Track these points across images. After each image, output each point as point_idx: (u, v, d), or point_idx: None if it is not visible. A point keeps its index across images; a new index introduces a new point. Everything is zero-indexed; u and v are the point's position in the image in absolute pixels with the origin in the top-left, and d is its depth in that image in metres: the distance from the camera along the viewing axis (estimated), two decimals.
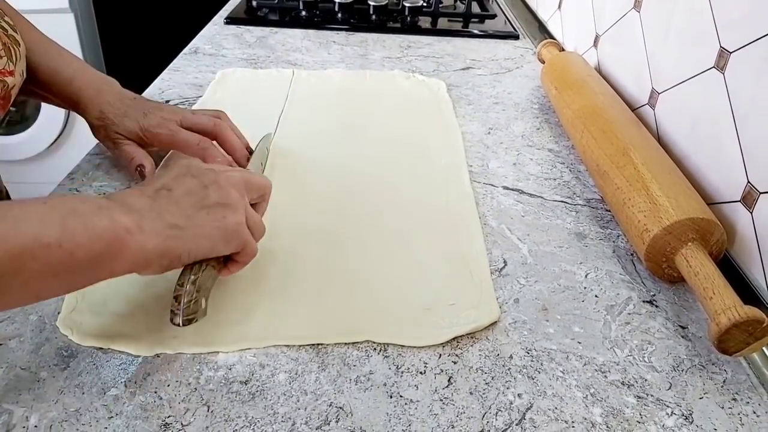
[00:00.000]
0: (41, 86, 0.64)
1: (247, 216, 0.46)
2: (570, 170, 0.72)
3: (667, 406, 0.44)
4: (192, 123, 0.63)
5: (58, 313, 0.48)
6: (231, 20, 1.15)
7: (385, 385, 0.44)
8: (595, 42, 0.91)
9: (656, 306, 0.53)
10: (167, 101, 0.82)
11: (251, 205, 0.48)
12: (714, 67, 0.60)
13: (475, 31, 1.17)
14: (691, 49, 0.64)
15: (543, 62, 0.94)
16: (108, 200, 0.40)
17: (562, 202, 0.66)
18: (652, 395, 0.44)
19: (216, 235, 0.44)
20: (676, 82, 0.67)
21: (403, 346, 0.47)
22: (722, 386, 0.46)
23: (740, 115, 0.56)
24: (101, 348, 0.45)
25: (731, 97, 0.57)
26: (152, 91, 0.85)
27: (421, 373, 0.45)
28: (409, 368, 0.45)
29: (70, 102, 0.64)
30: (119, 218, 0.38)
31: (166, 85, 0.87)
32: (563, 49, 0.96)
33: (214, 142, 0.63)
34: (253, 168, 0.61)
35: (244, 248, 0.46)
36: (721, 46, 0.59)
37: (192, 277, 0.44)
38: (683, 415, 0.43)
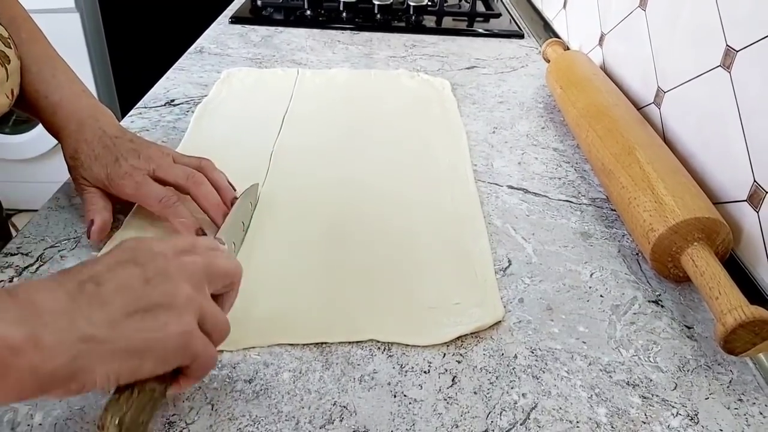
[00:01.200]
0: (27, 108, 0.60)
1: (202, 317, 0.36)
2: (575, 169, 0.72)
3: (673, 407, 0.44)
4: (164, 174, 0.56)
5: None
6: (236, 20, 1.15)
7: (389, 384, 0.44)
8: (600, 41, 0.90)
9: (662, 306, 0.52)
10: (172, 101, 0.83)
11: (215, 297, 0.39)
12: (720, 65, 0.59)
13: (480, 30, 1.17)
14: (698, 48, 0.64)
15: (548, 61, 0.93)
16: (9, 297, 0.31)
17: (567, 201, 0.66)
18: (657, 395, 0.44)
19: (150, 348, 0.34)
20: (682, 80, 0.67)
21: (408, 345, 0.47)
22: (728, 387, 0.45)
23: (747, 114, 0.55)
24: None
25: (738, 96, 0.57)
26: (157, 91, 0.85)
27: (425, 372, 0.45)
28: (413, 367, 0.45)
29: (52, 132, 0.59)
30: (6, 330, 0.29)
31: (171, 84, 0.87)
32: (568, 48, 0.96)
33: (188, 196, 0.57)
34: (228, 235, 0.52)
35: (195, 361, 0.36)
36: (727, 45, 0.58)
37: (115, 414, 0.33)
38: (689, 415, 0.43)
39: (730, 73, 0.58)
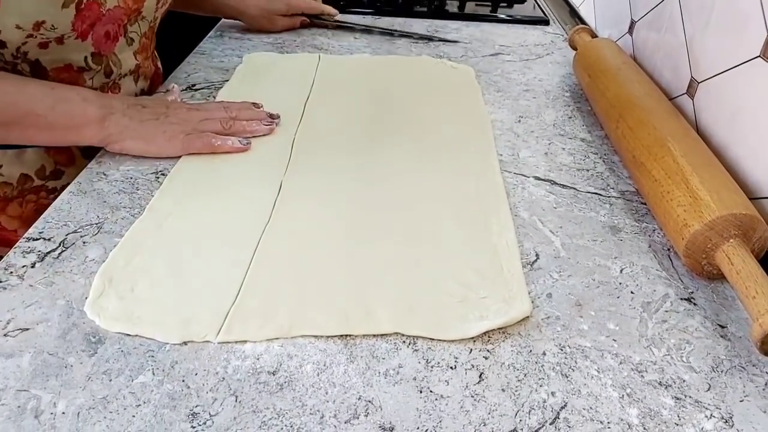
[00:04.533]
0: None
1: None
2: (603, 161, 0.70)
3: (706, 409, 0.42)
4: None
5: (86, 298, 0.47)
6: None
7: (414, 379, 0.43)
8: (630, 28, 0.88)
9: (694, 304, 0.51)
10: (193, 85, 0.82)
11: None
12: (760, 56, 0.57)
13: (504, 16, 1.15)
14: (735, 37, 0.62)
15: (575, 49, 0.91)
16: (96, 97, 0.62)
17: (595, 193, 0.64)
18: (690, 397, 0.43)
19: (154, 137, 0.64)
20: (718, 71, 0.64)
21: (433, 339, 0.46)
22: (764, 389, 0.44)
23: None
24: (129, 334, 0.45)
25: None
26: (178, 75, 0.84)
27: (451, 368, 0.44)
28: (439, 362, 0.44)
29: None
30: (92, 112, 0.61)
31: (192, 69, 0.86)
32: (596, 36, 0.94)
33: None
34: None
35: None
36: None
37: None
38: (723, 418, 0.42)
39: None
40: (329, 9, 1.04)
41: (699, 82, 0.68)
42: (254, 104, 0.72)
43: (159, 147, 0.64)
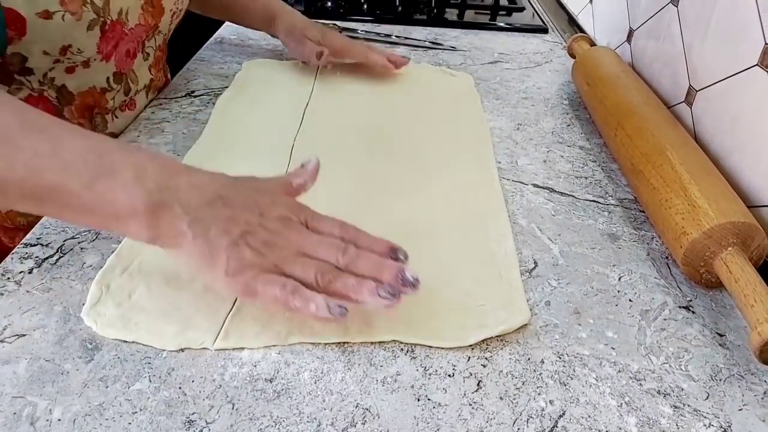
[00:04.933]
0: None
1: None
2: (602, 169, 0.70)
3: (705, 417, 0.42)
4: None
5: (83, 304, 0.47)
6: None
7: (412, 387, 0.43)
8: (628, 37, 0.88)
9: (693, 312, 0.51)
10: (192, 92, 0.82)
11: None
12: (758, 64, 0.57)
13: (503, 25, 1.15)
14: (733, 46, 0.62)
15: (574, 57, 0.91)
16: (155, 173, 0.42)
17: (594, 201, 0.64)
18: (689, 405, 0.43)
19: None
20: (716, 79, 0.65)
21: (431, 347, 0.46)
22: (762, 398, 0.44)
23: None
24: (125, 341, 0.45)
25: None
26: (178, 81, 0.85)
27: (449, 375, 0.44)
28: (437, 370, 0.44)
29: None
30: (140, 201, 0.41)
31: (192, 75, 0.86)
32: (594, 44, 0.94)
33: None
34: None
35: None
36: (766, 43, 0.56)
37: None
38: (721, 427, 0.42)
39: None
40: (382, 61, 0.85)
41: (697, 91, 0.68)
42: (392, 248, 0.47)
43: (213, 276, 0.43)
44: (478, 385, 0.43)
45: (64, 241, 0.54)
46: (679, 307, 0.51)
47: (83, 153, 0.42)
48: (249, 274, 0.42)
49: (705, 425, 0.42)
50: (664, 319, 0.50)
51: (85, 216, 0.43)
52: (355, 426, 0.40)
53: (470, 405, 0.42)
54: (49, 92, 0.64)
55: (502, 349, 0.46)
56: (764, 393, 0.44)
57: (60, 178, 0.41)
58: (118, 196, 0.41)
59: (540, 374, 0.44)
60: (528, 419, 0.41)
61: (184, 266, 0.46)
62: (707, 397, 0.44)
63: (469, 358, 0.45)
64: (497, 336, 0.47)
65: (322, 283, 0.42)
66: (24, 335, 0.45)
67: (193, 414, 0.40)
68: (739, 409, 0.43)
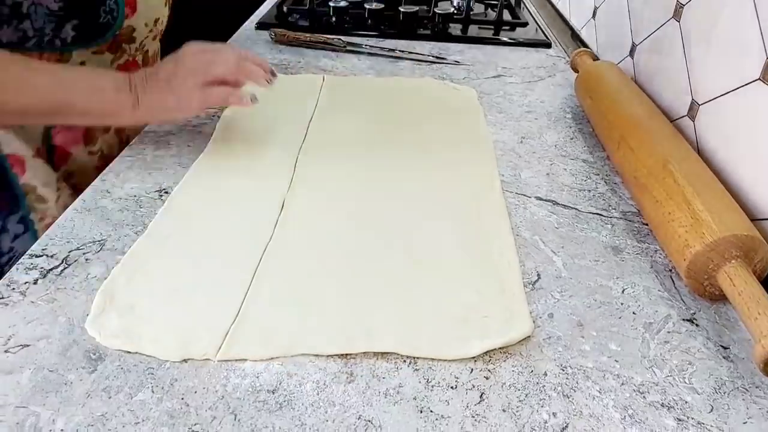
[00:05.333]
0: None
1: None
2: (605, 182, 0.70)
3: (709, 430, 0.42)
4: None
5: (87, 314, 0.47)
6: (261, 25, 1.15)
7: (415, 399, 0.43)
8: (631, 51, 0.89)
9: (696, 325, 0.51)
10: None
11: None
12: (760, 78, 0.58)
13: (506, 39, 1.16)
14: (735, 60, 0.62)
15: (576, 71, 0.92)
16: (124, 81, 0.63)
17: (597, 214, 0.64)
18: (692, 418, 0.43)
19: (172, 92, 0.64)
20: (718, 93, 0.65)
21: (434, 359, 0.46)
22: (767, 411, 0.44)
23: None
24: (129, 351, 0.45)
25: None
26: None
27: (452, 387, 0.44)
28: (439, 382, 0.44)
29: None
30: (124, 99, 0.63)
31: None
32: (597, 58, 0.94)
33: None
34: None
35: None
36: None
37: None
38: None
39: None
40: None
41: (700, 105, 0.69)
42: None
43: (181, 110, 0.66)
44: (480, 397, 0.43)
45: (69, 252, 0.54)
46: (683, 319, 0.51)
47: (76, 79, 0.63)
48: (195, 91, 0.64)
49: None
50: (668, 332, 0.50)
51: (86, 118, 0.65)
52: None
53: (473, 417, 0.42)
54: (137, 57, 0.79)
55: (505, 361, 0.46)
56: None
57: (66, 97, 0.61)
58: (108, 100, 0.63)
59: (543, 386, 0.44)
60: (531, 431, 0.41)
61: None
62: (711, 410, 0.43)
63: (472, 370, 0.45)
64: (500, 348, 0.47)
65: (235, 72, 0.67)
66: (28, 345, 0.45)
67: (195, 425, 0.40)
68: (744, 423, 0.43)
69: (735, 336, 0.50)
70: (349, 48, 1.05)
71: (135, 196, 0.62)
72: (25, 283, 0.50)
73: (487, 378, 0.45)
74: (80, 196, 0.62)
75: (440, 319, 0.49)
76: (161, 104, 0.64)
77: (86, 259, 0.53)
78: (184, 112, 0.67)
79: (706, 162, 0.63)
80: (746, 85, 0.60)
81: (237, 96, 0.66)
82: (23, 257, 0.53)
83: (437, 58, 1.04)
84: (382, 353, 0.46)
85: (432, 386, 0.44)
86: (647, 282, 0.55)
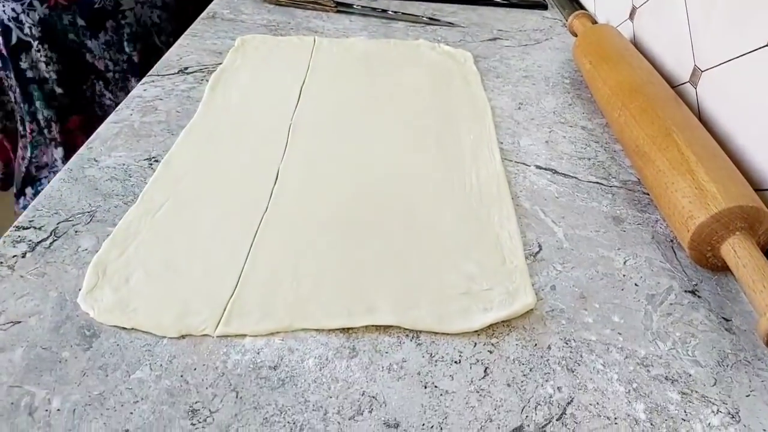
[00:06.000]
0: None
1: None
2: (605, 150, 0.69)
3: (713, 404, 0.42)
4: None
5: (79, 289, 0.46)
6: None
7: (419, 374, 0.42)
8: (631, 14, 0.87)
9: (698, 296, 0.51)
10: (185, 68, 0.80)
11: None
12: (767, 45, 0.56)
13: (501, 0, 1.13)
14: (741, 26, 0.61)
15: (575, 35, 0.90)
16: None
17: (597, 183, 0.63)
18: (696, 392, 0.43)
19: None
20: (723, 60, 0.63)
21: (437, 333, 0.45)
22: None
23: None
24: (125, 327, 0.43)
25: None
26: (170, 57, 0.82)
27: (456, 362, 0.43)
28: (443, 357, 0.43)
29: None
30: None
31: (185, 51, 0.84)
32: (596, 21, 0.92)
33: None
34: None
35: None
36: None
37: None
38: (729, 413, 0.41)
39: None
40: None
41: (703, 71, 0.67)
42: None
43: None
44: (485, 371, 0.43)
45: (58, 223, 0.52)
46: (685, 291, 0.51)
47: None
48: None
49: (713, 412, 0.41)
50: (670, 304, 0.50)
51: None
52: (362, 414, 0.39)
53: (477, 392, 0.41)
54: None
55: (508, 334, 0.46)
56: None
57: None
58: None
59: (547, 360, 0.44)
60: (536, 406, 0.41)
61: None
62: (714, 383, 0.43)
63: (476, 344, 0.45)
64: (503, 321, 0.46)
65: None
66: (19, 322, 0.43)
67: (196, 403, 0.39)
68: (747, 396, 0.43)
69: (736, 308, 0.50)
70: (340, 9, 1.02)
71: (124, 164, 0.60)
72: (14, 256, 0.49)
73: (491, 352, 0.44)
74: (66, 165, 0.59)
75: (442, 292, 0.48)
76: None
77: (76, 231, 0.51)
78: None
79: (708, 130, 0.61)
80: (753, 51, 0.59)
81: None
82: (9, 230, 0.51)
83: (431, 19, 1.01)
84: (384, 327, 0.45)
85: (436, 361, 0.43)
86: (649, 253, 0.55)
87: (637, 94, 0.66)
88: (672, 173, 0.55)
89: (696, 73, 0.69)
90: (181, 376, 0.41)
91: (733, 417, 0.41)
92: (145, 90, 0.74)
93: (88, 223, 0.52)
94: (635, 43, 0.84)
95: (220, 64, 0.80)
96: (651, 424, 0.40)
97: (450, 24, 1.00)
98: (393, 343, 0.44)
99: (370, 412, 0.39)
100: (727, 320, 0.49)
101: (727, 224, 0.50)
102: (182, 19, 1.07)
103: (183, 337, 0.43)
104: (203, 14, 0.98)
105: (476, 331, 0.45)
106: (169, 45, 0.88)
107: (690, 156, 0.55)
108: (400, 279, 0.49)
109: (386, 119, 0.71)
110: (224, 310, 0.45)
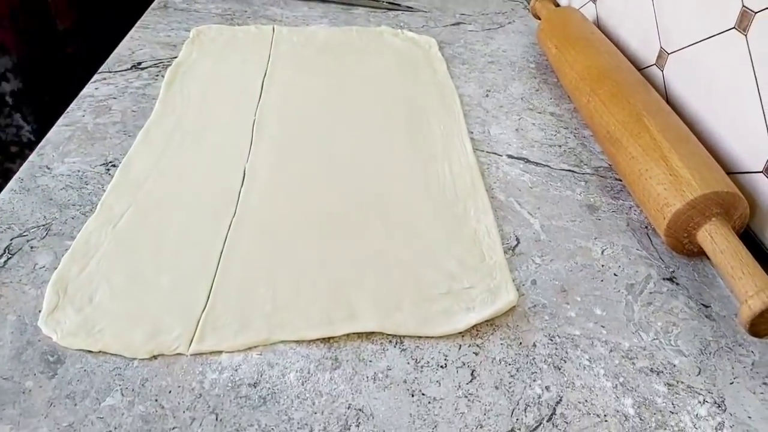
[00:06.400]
0: None
1: None
2: (575, 135, 0.69)
3: (699, 394, 0.42)
4: None
5: (39, 311, 0.43)
6: None
7: (405, 382, 0.41)
8: None
9: (677, 284, 0.51)
10: (139, 63, 0.76)
11: None
12: (735, 27, 0.56)
13: None
14: (708, 8, 0.61)
15: (538, 18, 0.89)
16: None
17: (569, 171, 0.63)
18: (682, 382, 0.43)
19: None
20: (690, 42, 0.63)
21: (420, 337, 0.44)
22: (752, 369, 0.44)
23: (765, 81, 0.52)
24: (91, 351, 0.41)
25: (754, 62, 0.54)
26: (121, 51, 0.78)
27: (441, 367, 0.42)
28: (428, 362, 0.42)
29: None
30: None
31: (136, 45, 0.80)
32: (558, 4, 0.91)
33: None
34: None
35: None
36: (744, 6, 0.55)
37: None
38: (715, 402, 0.41)
39: (746, 36, 0.55)
40: None
41: (669, 53, 0.67)
42: None
43: None
44: (472, 374, 0.42)
45: (11, 239, 0.49)
46: (663, 279, 0.51)
47: None
48: None
49: (700, 402, 0.41)
50: (650, 293, 0.49)
51: None
52: (349, 429, 0.38)
53: (466, 397, 0.40)
54: None
55: (492, 334, 0.45)
56: (752, 364, 0.44)
57: None
58: None
59: (533, 359, 0.43)
60: (526, 408, 0.40)
61: None
62: (699, 373, 0.43)
63: (461, 346, 0.44)
64: (486, 320, 0.45)
65: None
66: None
67: (173, 429, 0.37)
68: (731, 383, 0.43)
69: (714, 293, 0.50)
70: None
71: (79, 171, 0.57)
72: None
73: (476, 354, 0.43)
74: (16, 175, 0.56)
75: (423, 293, 0.47)
76: None
77: (31, 247, 0.48)
78: None
79: (676, 113, 0.61)
80: (720, 33, 0.58)
81: None
82: None
83: (391, 3, 0.99)
84: (366, 334, 0.44)
85: (421, 367, 0.42)
86: (625, 241, 0.55)
87: (605, 79, 0.66)
88: (645, 159, 0.55)
89: (662, 56, 0.68)
90: (156, 400, 0.38)
91: (719, 406, 0.41)
92: (96, 88, 0.70)
93: (44, 237, 0.49)
94: (599, 26, 0.84)
95: (176, 57, 0.77)
96: (640, 419, 0.40)
97: (411, 9, 0.98)
98: (376, 351, 0.43)
99: (358, 426, 0.38)
100: (706, 306, 0.49)
101: (702, 210, 0.50)
102: None
103: (155, 357, 0.41)
104: (154, 4, 0.93)
105: (461, 333, 0.44)
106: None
107: (662, 142, 0.55)
108: (379, 281, 0.48)
109: (354, 112, 0.69)
110: (197, 325, 0.43)
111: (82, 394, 0.38)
